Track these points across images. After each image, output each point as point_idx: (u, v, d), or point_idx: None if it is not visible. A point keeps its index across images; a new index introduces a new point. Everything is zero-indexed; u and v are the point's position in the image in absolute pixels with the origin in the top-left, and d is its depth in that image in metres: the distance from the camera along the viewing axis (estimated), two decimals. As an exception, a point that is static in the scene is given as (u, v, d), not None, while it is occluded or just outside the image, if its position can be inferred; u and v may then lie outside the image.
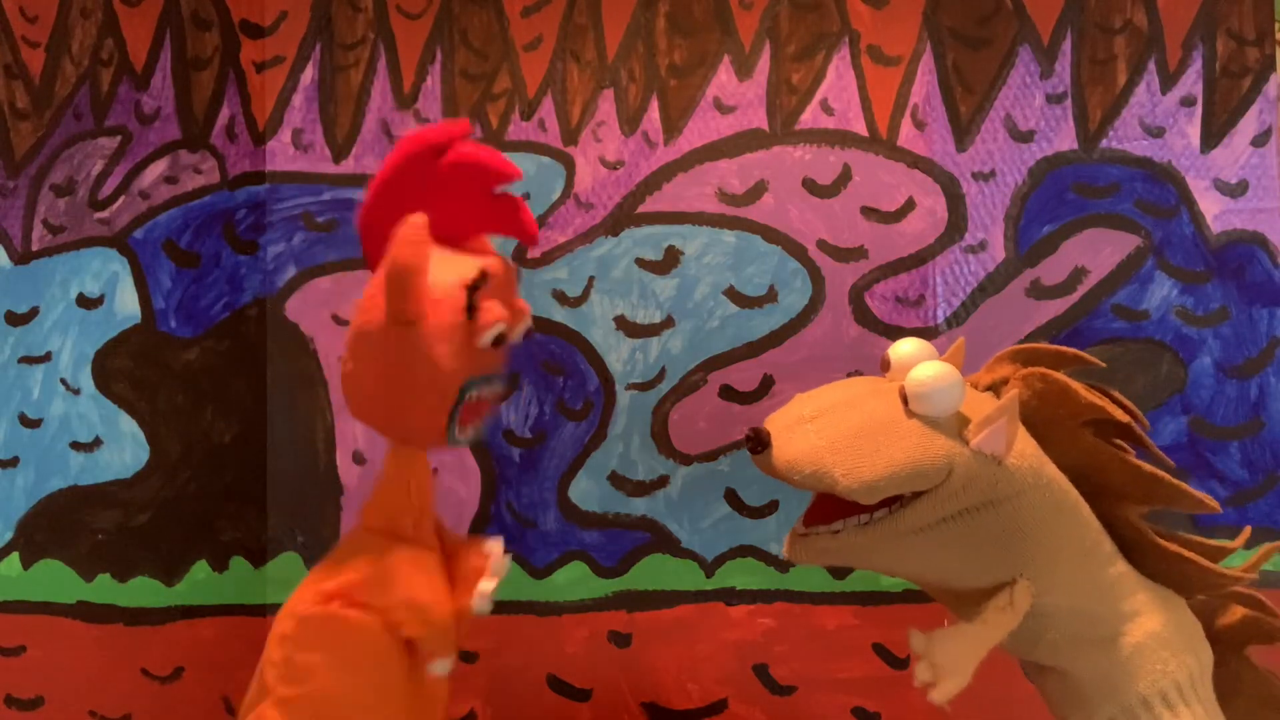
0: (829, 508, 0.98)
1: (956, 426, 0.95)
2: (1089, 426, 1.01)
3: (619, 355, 1.46)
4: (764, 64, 1.47)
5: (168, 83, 1.52)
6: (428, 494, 1.08)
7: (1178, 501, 1.01)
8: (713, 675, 1.44)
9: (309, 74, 1.51)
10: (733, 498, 1.45)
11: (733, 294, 1.46)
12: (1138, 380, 1.42)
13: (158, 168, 1.51)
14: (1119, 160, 1.44)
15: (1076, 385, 0.99)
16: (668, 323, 1.46)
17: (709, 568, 1.45)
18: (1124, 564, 1.04)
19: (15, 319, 1.50)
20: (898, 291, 1.43)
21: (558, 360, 1.47)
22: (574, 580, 1.46)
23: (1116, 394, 1.02)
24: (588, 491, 1.46)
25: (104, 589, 1.47)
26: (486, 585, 1.08)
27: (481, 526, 1.46)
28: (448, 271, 1.00)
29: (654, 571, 1.45)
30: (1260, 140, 1.42)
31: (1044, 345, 1.05)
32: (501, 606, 1.46)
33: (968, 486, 0.94)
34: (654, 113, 1.48)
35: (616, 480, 1.46)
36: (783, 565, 1.44)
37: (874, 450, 0.93)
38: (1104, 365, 1.06)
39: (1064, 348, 1.03)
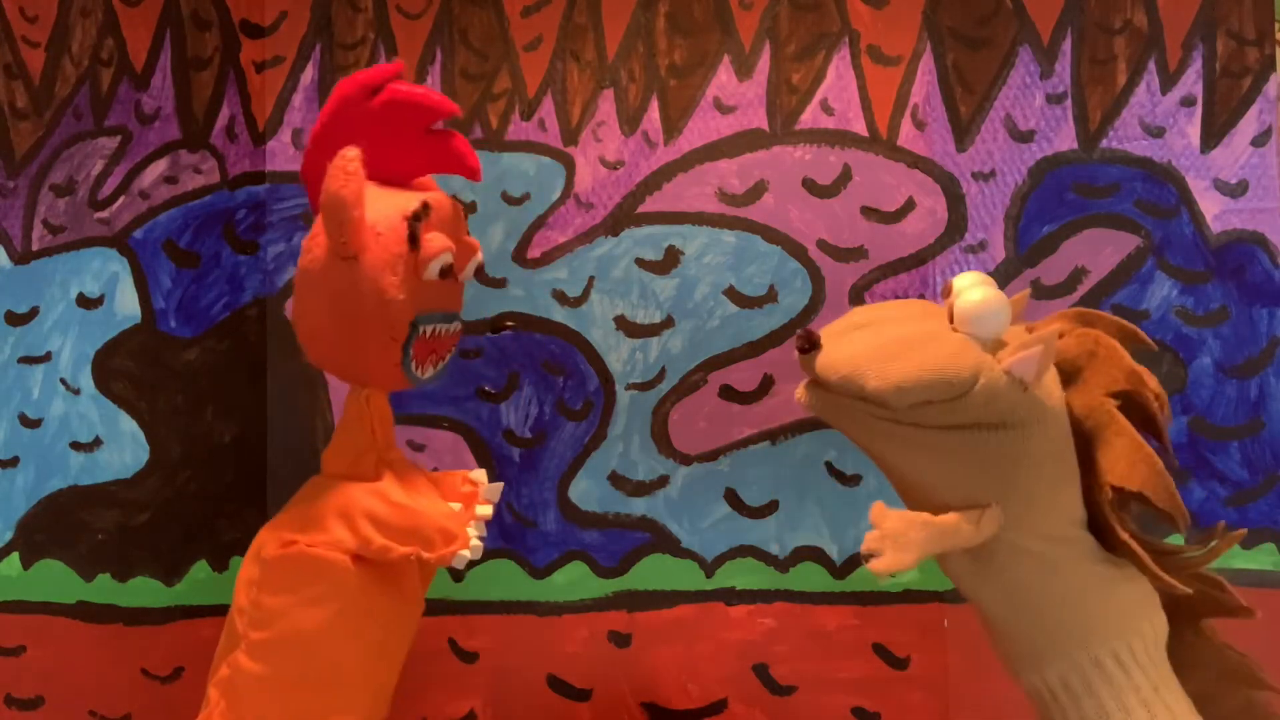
0: None
1: (994, 348, 0.98)
2: (1116, 398, 1.02)
3: (619, 355, 1.46)
4: (764, 64, 1.47)
5: (168, 83, 1.52)
6: (390, 434, 1.08)
7: (1158, 494, 1.01)
8: (713, 675, 1.44)
9: (309, 74, 1.51)
10: (733, 498, 1.45)
11: (733, 294, 1.46)
12: (1138, 380, 1.42)
13: (158, 168, 1.51)
14: (1119, 160, 1.44)
15: (1125, 353, 1.02)
16: (668, 323, 1.46)
17: (709, 568, 1.45)
18: (1086, 533, 1.05)
19: (15, 319, 1.50)
20: (898, 291, 1.43)
21: (558, 360, 1.47)
22: (574, 580, 1.46)
23: (1156, 381, 1.04)
24: (588, 491, 1.46)
25: (104, 589, 1.47)
26: (483, 510, 1.08)
27: (481, 526, 1.46)
28: (388, 205, 1.00)
29: (654, 571, 1.45)
30: (1260, 140, 1.42)
31: (1109, 315, 1.07)
32: (501, 606, 1.46)
33: (989, 403, 0.96)
34: (654, 113, 1.48)
35: (616, 480, 1.46)
36: (783, 565, 1.44)
37: (908, 356, 0.96)
38: (1156, 348, 1.10)
39: (1127, 323, 1.06)
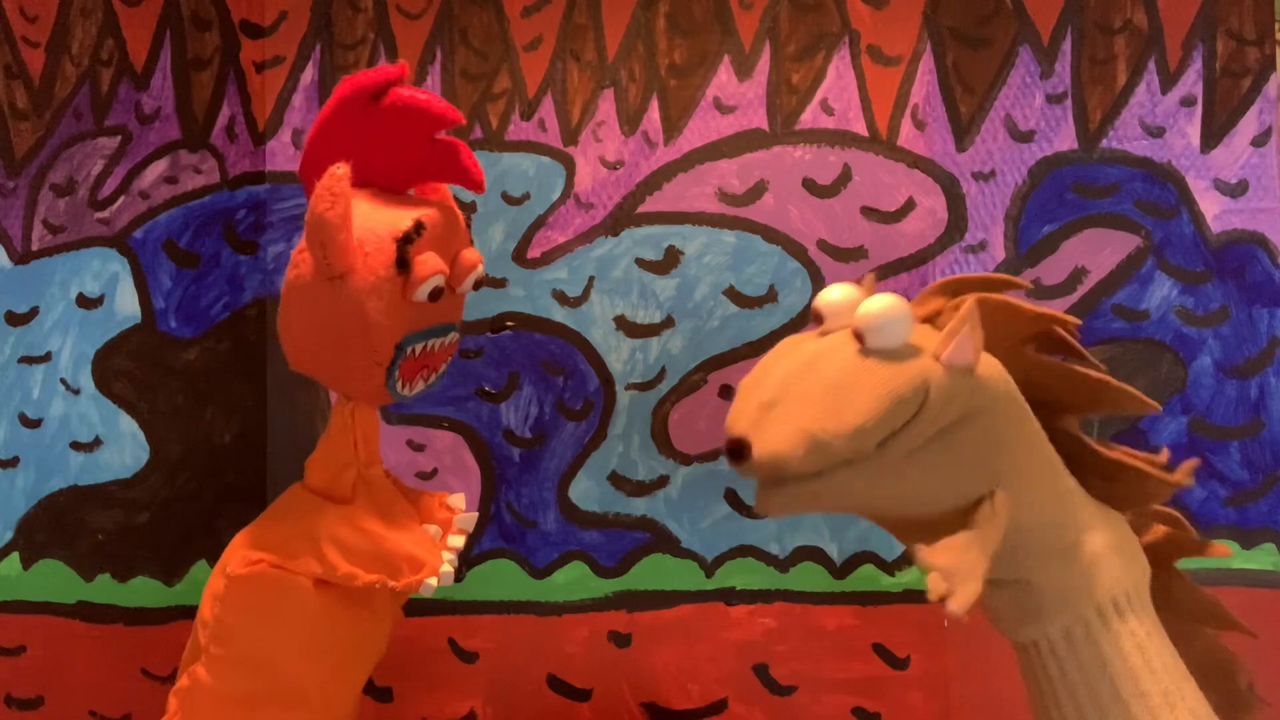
0: None
1: (918, 349, 0.92)
2: (1030, 343, 1.00)
3: (619, 355, 1.46)
4: (764, 64, 1.47)
5: (168, 83, 1.52)
6: (375, 449, 1.06)
7: (1125, 404, 1.00)
8: (713, 675, 1.44)
9: (309, 74, 1.51)
10: (733, 498, 1.45)
11: (733, 294, 1.46)
12: (1138, 380, 1.41)
13: (158, 168, 1.51)
14: (1119, 160, 1.44)
15: (1016, 300, 0.98)
16: (668, 323, 1.46)
17: (709, 568, 1.45)
18: (1071, 478, 1.03)
19: (15, 319, 1.51)
20: (898, 291, 1.43)
21: (558, 360, 1.47)
22: (574, 580, 1.46)
23: (1050, 310, 1.01)
24: (588, 491, 1.46)
25: (104, 589, 1.47)
26: (455, 541, 1.06)
27: (481, 526, 1.46)
28: (379, 222, 0.97)
29: (654, 571, 1.45)
30: (1260, 140, 1.42)
31: (969, 275, 1.03)
32: (501, 606, 1.46)
33: (948, 403, 0.91)
34: (654, 113, 1.48)
35: (616, 480, 1.46)
36: (783, 565, 1.44)
37: (850, 398, 0.89)
38: (1029, 285, 1.05)
39: (989, 273, 1.03)
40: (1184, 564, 1.09)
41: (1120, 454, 1.03)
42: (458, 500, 1.12)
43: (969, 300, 0.95)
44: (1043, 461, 1.00)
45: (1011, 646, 1.05)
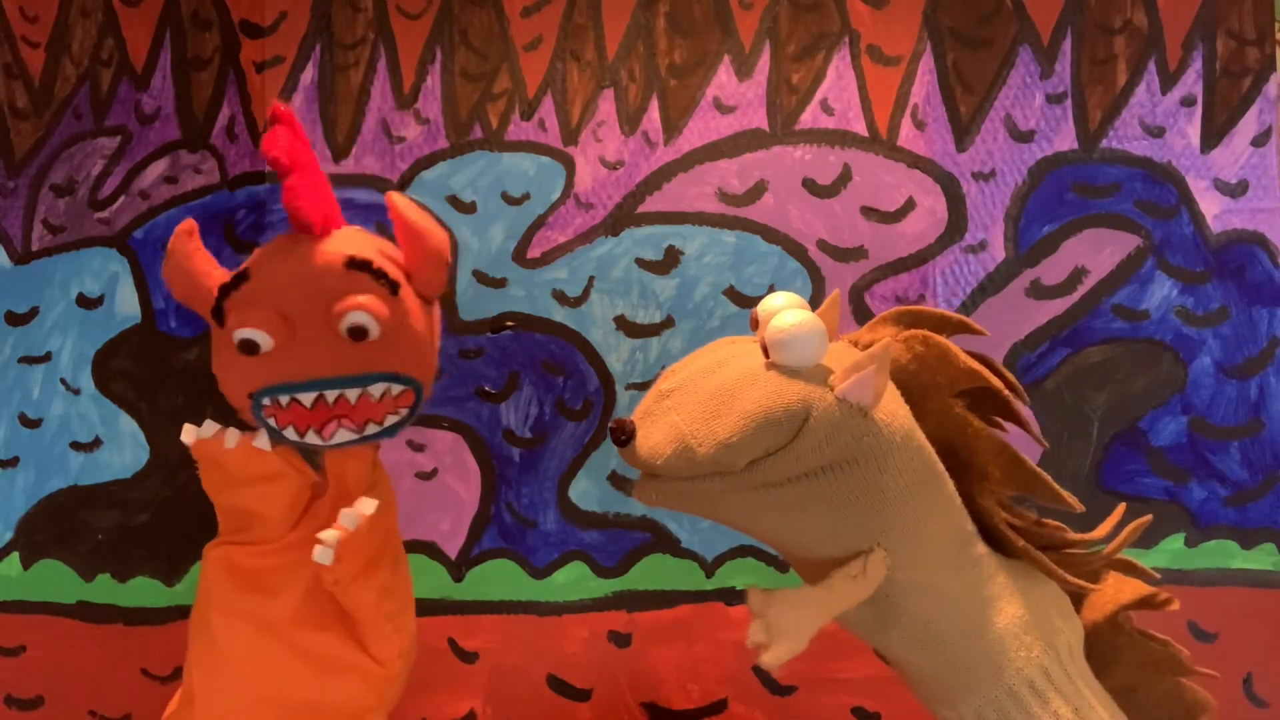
0: None
1: (820, 376, 0.89)
2: (962, 398, 0.95)
3: (619, 355, 1.46)
4: (764, 64, 1.47)
5: (168, 83, 1.52)
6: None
7: (1037, 491, 0.96)
8: (713, 675, 1.44)
9: (309, 74, 1.51)
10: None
11: (733, 294, 1.46)
12: (1138, 380, 1.42)
13: (158, 168, 1.51)
14: (1119, 160, 1.44)
15: (957, 350, 0.94)
16: (668, 323, 1.46)
17: (709, 568, 1.45)
18: (984, 545, 0.98)
19: (15, 319, 1.50)
20: (898, 291, 1.43)
21: (558, 360, 1.47)
22: (574, 580, 1.46)
23: (999, 365, 0.97)
24: (588, 491, 1.46)
25: (104, 589, 1.47)
26: (328, 535, 0.97)
27: (481, 526, 1.46)
28: (218, 275, 0.98)
29: (654, 571, 1.45)
30: (1260, 140, 1.42)
31: (928, 308, 0.99)
32: (501, 606, 1.46)
33: (830, 438, 0.87)
34: (654, 113, 1.48)
35: (616, 480, 1.46)
36: (783, 565, 1.44)
37: (727, 409, 0.86)
38: (987, 334, 0.99)
39: (949, 312, 0.98)
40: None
41: (1026, 545, 0.97)
42: (364, 504, 1.05)
43: (884, 339, 0.91)
44: (943, 528, 0.96)
45: None
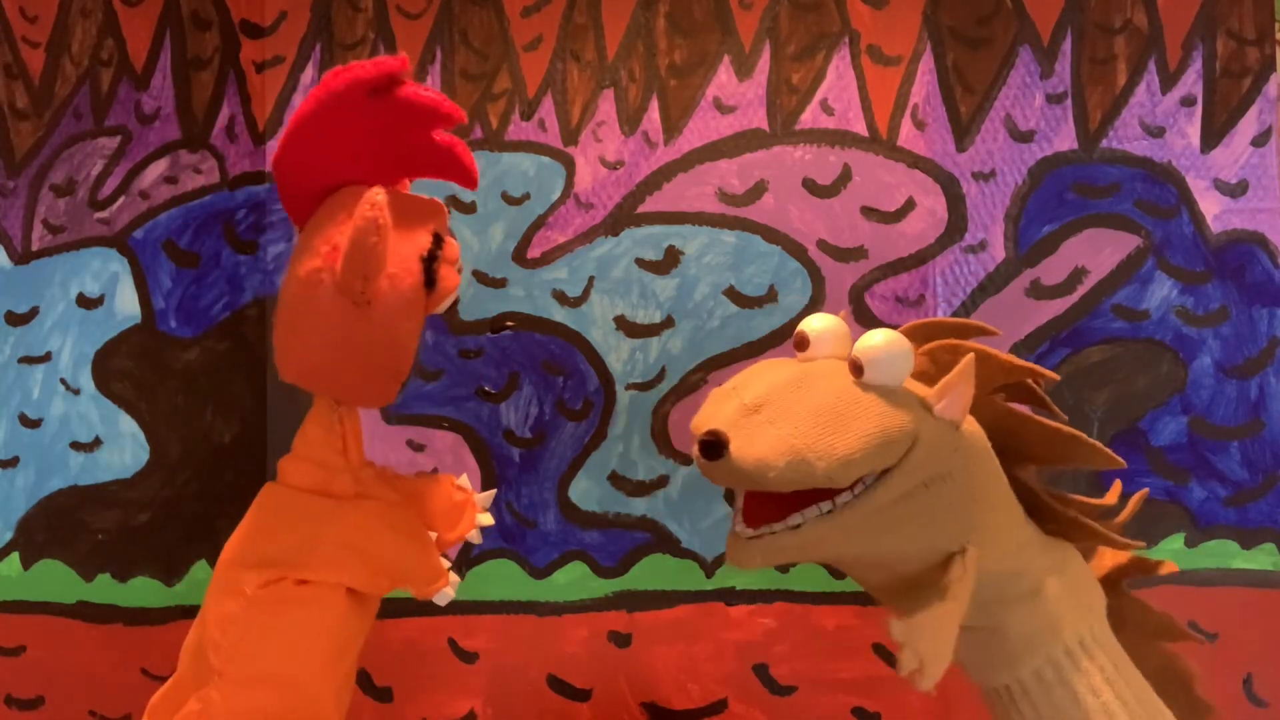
0: (766, 503, 0.91)
1: (915, 396, 0.91)
2: (1000, 392, 1.00)
3: (619, 355, 1.46)
4: (764, 64, 1.47)
5: (168, 83, 1.52)
6: (362, 449, 1.06)
7: (1079, 454, 1.00)
8: (713, 675, 1.44)
9: (309, 74, 1.51)
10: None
11: (733, 294, 1.46)
12: (1138, 380, 1.42)
13: (158, 168, 1.51)
14: (1119, 160, 1.44)
15: (992, 350, 0.97)
16: (668, 323, 1.46)
17: (709, 568, 1.45)
18: (1031, 525, 1.04)
19: (15, 319, 1.51)
20: (898, 291, 1.43)
21: (558, 360, 1.47)
22: (574, 580, 1.46)
23: (1020, 361, 1.01)
24: (588, 491, 1.46)
25: (104, 589, 1.47)
26: (484, 519, 1.07)
27: (481, 526, 1.46)
28: (401, 242, 0.95)
29: (654, 571, 1.45)
30: (1260, 140, 1.42)
31: (940, 319, 1.03)
32: (501, 606, 1.46)
33: (931, 455, 0.89)
34: (654, 113, 1.48)
35: (616, 480, 1.46)
36: (782, 565, 1.44)
37: (843, 426, 0.86)
38: (998, 333, 1.03)
39: (961, 319, 1.03)
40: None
41: (1075, 511, 1.03)
42: (465, 480, 1.12)
43: (969, 355, 0.93)
44: (1008, 513, 1.00)
45: (981, 693, 1.06)
